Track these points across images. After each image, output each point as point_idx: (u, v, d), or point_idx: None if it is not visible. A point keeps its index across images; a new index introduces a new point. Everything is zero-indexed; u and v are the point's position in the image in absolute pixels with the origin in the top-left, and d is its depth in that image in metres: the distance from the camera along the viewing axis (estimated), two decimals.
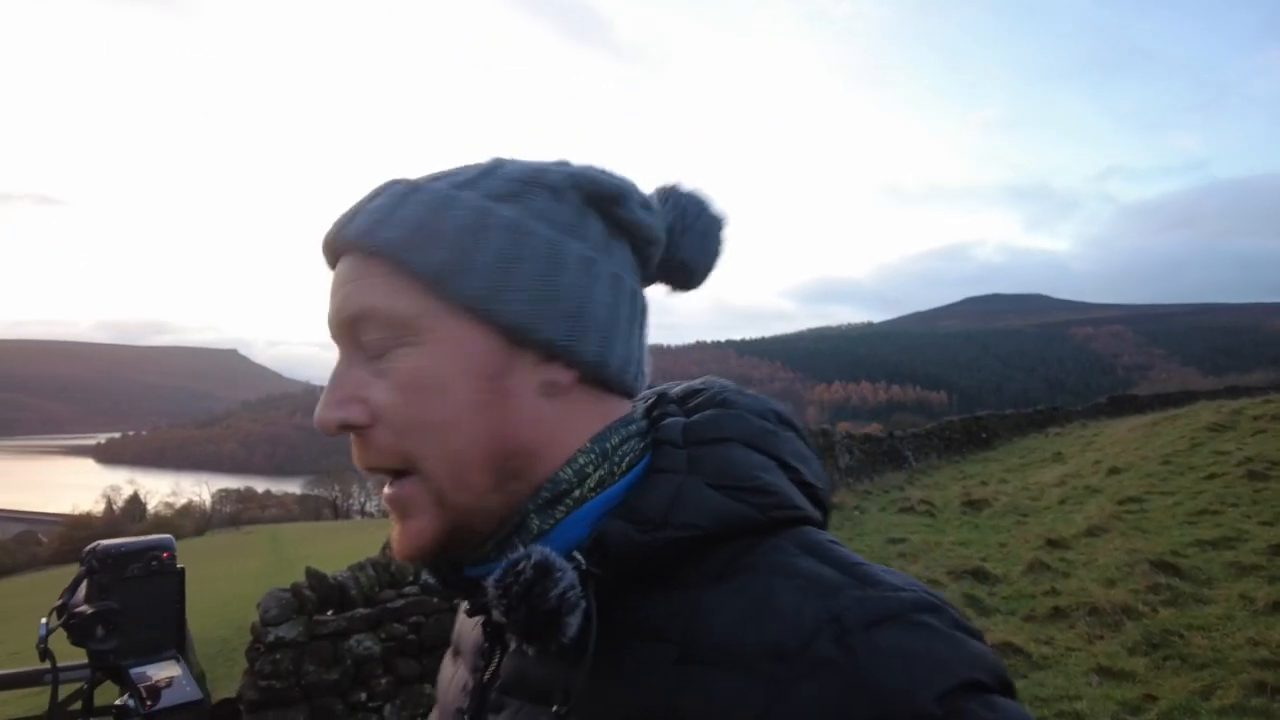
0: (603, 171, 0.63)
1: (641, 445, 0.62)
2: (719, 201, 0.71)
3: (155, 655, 0.92)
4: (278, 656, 4.68)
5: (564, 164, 0.63)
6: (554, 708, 0.54)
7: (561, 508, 0.58)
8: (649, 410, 0.67)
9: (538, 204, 0.60)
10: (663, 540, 0.55)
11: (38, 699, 0.95)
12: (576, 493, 0.58)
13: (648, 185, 0.69)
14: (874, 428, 23.52)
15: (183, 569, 0.95)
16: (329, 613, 4.96)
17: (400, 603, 5.17)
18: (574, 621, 0.52)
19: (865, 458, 15.73)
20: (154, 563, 0.93)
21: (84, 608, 0.89)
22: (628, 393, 0.64)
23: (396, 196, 0.60)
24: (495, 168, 0.61)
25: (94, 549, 0.91)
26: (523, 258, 0.58)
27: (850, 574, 0.53)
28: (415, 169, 0.65)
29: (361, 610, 5.03)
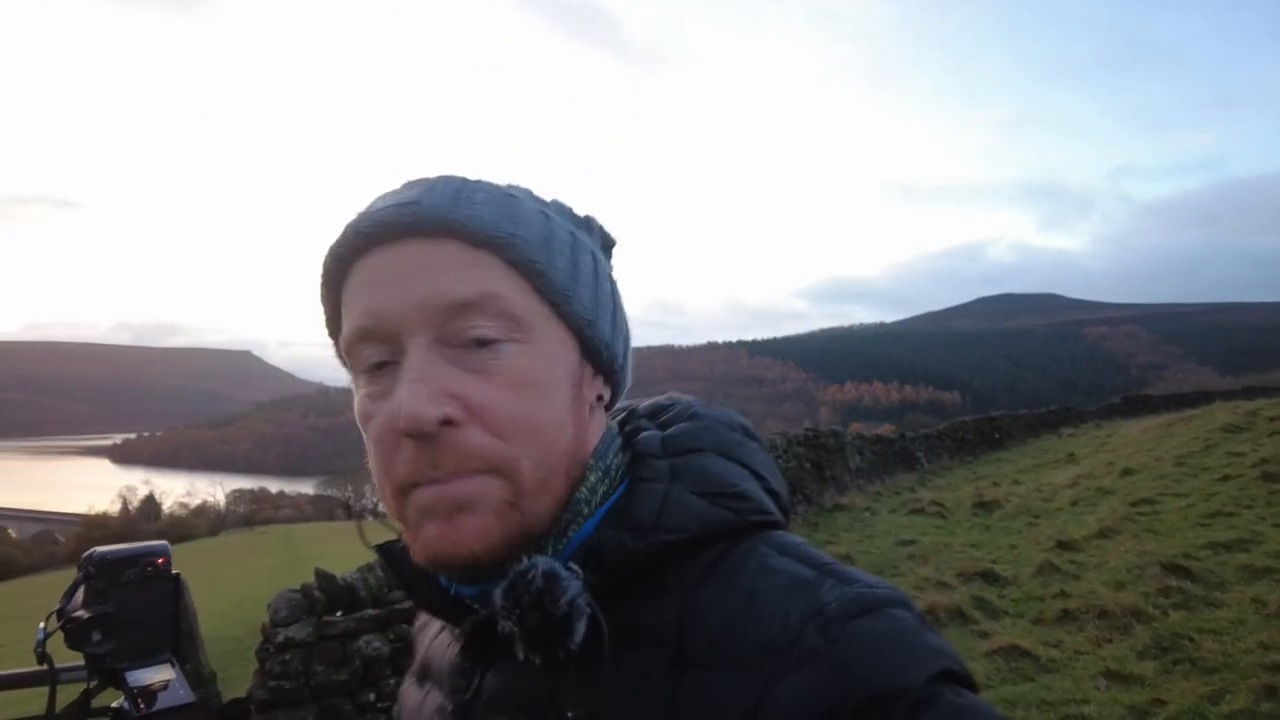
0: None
1: (623, 458, 0.65)
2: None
3: (150, 659, 0.94)
4: (287, 657, 4.72)
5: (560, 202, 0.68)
6: (569, 714, 0.55)
7: (574, 526, 0.60)
8: (621, 425, 0.70)
9: (593, 239, 0.67)
10: (656, 545, 0.57)
11: (37, 701, 0.97)
12: (586, 510, 0.61)
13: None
14: (886, 428, 23.48)
15: (178, 574, 0.97)
16: (338, 614, 4.99)
17: (409, 604, 5.20)
18: (581, 628, 0.54)
19: (876, 459, 15.68)
20: (149, 568, 0.95)
21: (81, 612, 0.92)
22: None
23: (500, 196, 0.61)
24: (529, 191, 0.65)
25: (90, 555, 0.93)
26: (599, 285, 0.64)
27: (826, 572, 0.56)
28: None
29: (370, 611, 5.06)
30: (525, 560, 0.56)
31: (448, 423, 0.54)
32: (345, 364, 0.64)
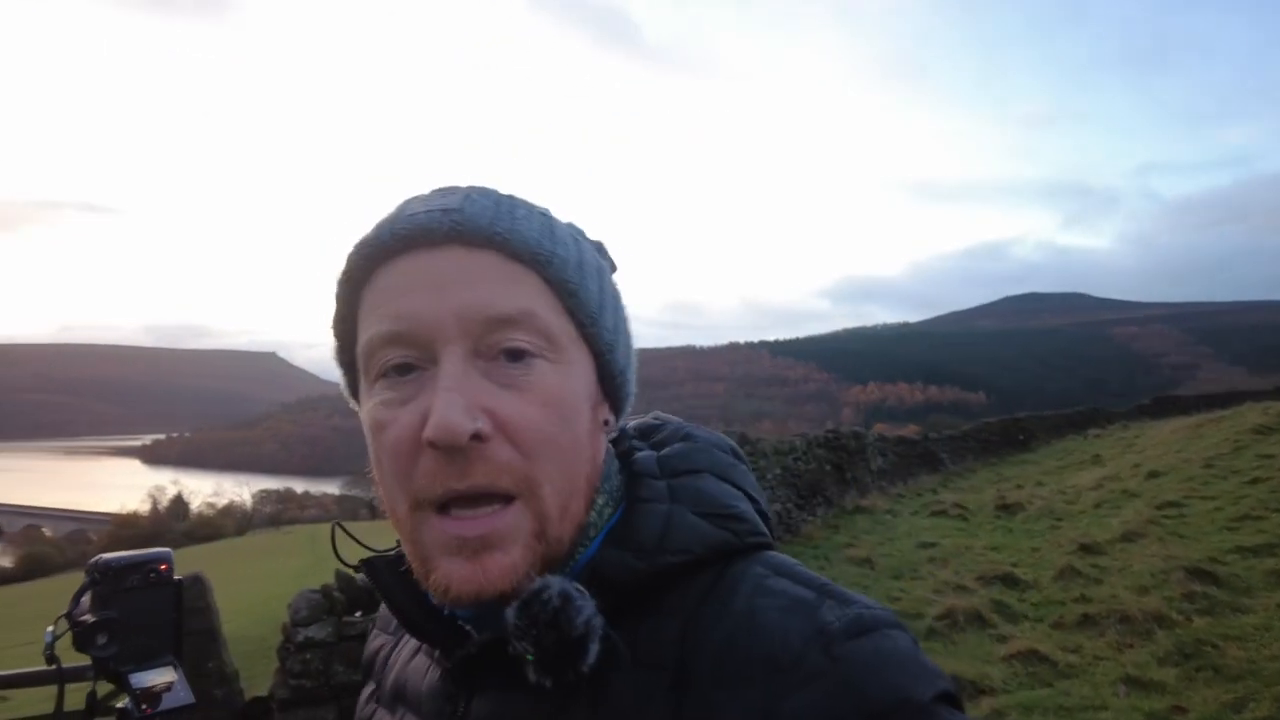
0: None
1: (620, 479, 0.66)
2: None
3: (153, 662, 0.98)
4: (308, 656, 4.79)
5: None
6: None
7: (582, 547, 0.61)
8: (614, 444, 0.71)
9: (607, 264, 0.68)
10: (660, 566, 0.58)
11: (46, 703, 1.01)
12: (593, 531, 0.62)
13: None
14: (910, 429, 23.31)
15: (179, 580, 1.01)
16: (358, 614, 5.05)
17: None
18: (595, 649, 0.54)
19: (899, 460, 15.58)
20: (152, 574, 0.98)
21: (87, 616, 0.95)
22: None
23: (538, 213, 0.62)
24: (548, 211, 0.65)
25: (96, 562, 0.97)
26: (618, 311, 0.66)
27: (824, 593, 0.57)
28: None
29: None
30: (537, 580, 0.55)
31: (477, 437, 0.54)
32: (341, 362, 0.64)
